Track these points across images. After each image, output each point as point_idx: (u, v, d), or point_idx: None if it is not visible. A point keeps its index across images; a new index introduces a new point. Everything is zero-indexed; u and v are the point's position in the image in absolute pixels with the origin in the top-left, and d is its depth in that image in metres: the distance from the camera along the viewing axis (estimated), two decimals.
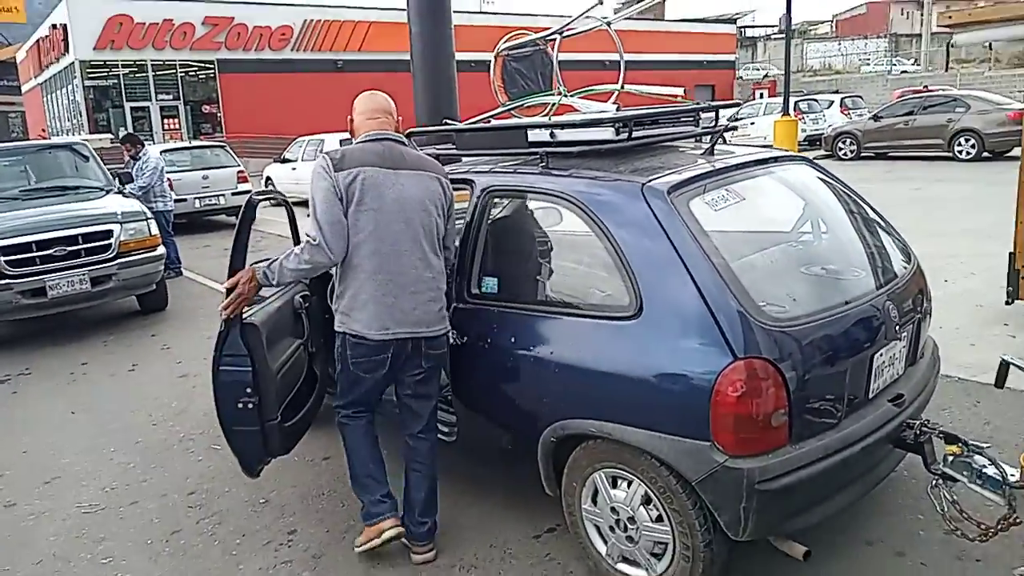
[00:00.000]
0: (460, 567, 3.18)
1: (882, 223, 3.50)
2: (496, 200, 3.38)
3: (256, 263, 3.09)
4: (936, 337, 3.54)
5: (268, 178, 17.79)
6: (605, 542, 2.94)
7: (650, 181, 2.83)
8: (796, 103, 22.15)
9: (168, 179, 10.16)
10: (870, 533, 3.19)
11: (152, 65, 28.92)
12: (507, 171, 3.41)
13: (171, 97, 29.62)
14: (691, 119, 3.69)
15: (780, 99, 19.52)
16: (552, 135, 3.27)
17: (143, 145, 10.00)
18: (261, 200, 3.36)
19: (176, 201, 10.63)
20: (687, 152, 3.46)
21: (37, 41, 33.37)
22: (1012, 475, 2.57)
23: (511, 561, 3.19)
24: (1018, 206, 5.40)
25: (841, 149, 19.18)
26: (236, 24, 29.65)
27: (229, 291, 3.01)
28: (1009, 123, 15.75)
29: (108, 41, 27.52)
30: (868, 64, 43.16)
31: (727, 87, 41.37)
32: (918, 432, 2.83)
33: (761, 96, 31.20)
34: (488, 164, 3.56)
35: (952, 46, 32.08)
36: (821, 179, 3.54)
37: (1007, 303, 5.59)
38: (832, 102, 23.70)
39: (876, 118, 18.81)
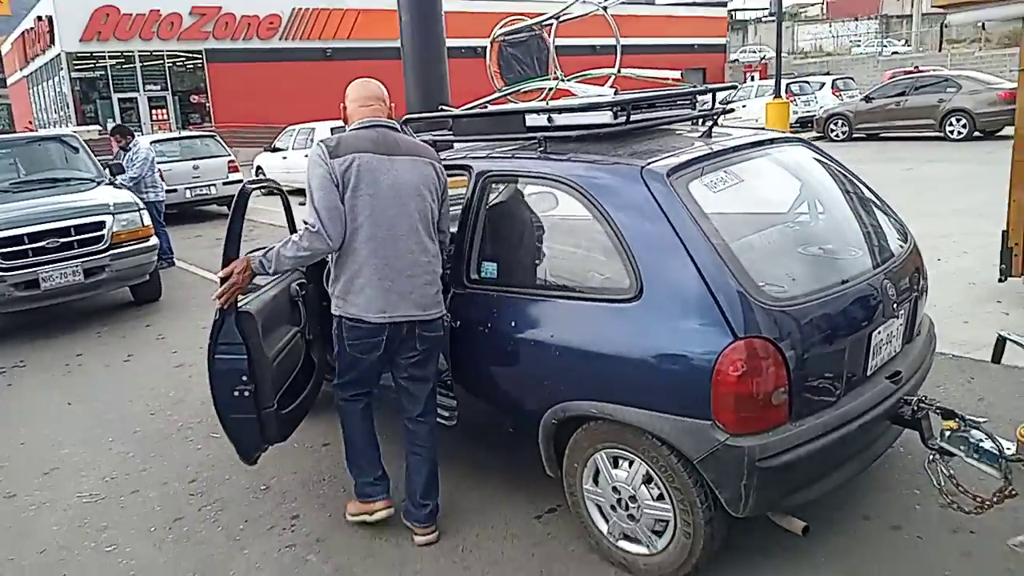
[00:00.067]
0: (462, 548, 3.21)
1: (878, 203, 3.52)
2: (494, 185, 3.39)
3: (251, 252, 3.10)
4: (930, 315, 3.57)
5: (258, 167, 17.72)
6: (606, 521, 2.97)
7: (649, 164, 2.84)
8: (788, 85, 22.19)
9: (159, 169, 10.12)
10: (867, 508, 3.23)
11: (139, 56, 28.66)
12: (505, 156, 3.42)
13: (159, 88, 29.38)
14: (688, 102, 3.70)
15: (771, 81, 19.55)
16: (550, 120, 3.28)
17: (133, 136, 9.95)
18: (254, 188, 3.36)
19: (167, 191, 10.59)
20: (684, 135, 3.47)
21: (22, 33, 33.06)
22: (1008, 448, 2.61)
23: (513, 541, 3.22)
24: (1011, 185, 5.44)
25: (833, 130, 19.23)
26: (224, 14, 29.40)
27: (223, 280, 3.01)
28: (1000, 103, 15.81)
29: (94, 32, 27.26)
30: (859, 46, 43.07)
31: (718, 70, 41.29)
32: (915, 408, 2.87)
33: (752, 79, 31.17)
34: (485, 149, 3.56)
35: (945, 26, 32.08)
36: (817, 160, 3.55)
37: (1000, 280, 5.63)
38: (823, 84, 23.77)
39: (868, 99, 18.87)
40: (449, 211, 3.34)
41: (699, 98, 3.76)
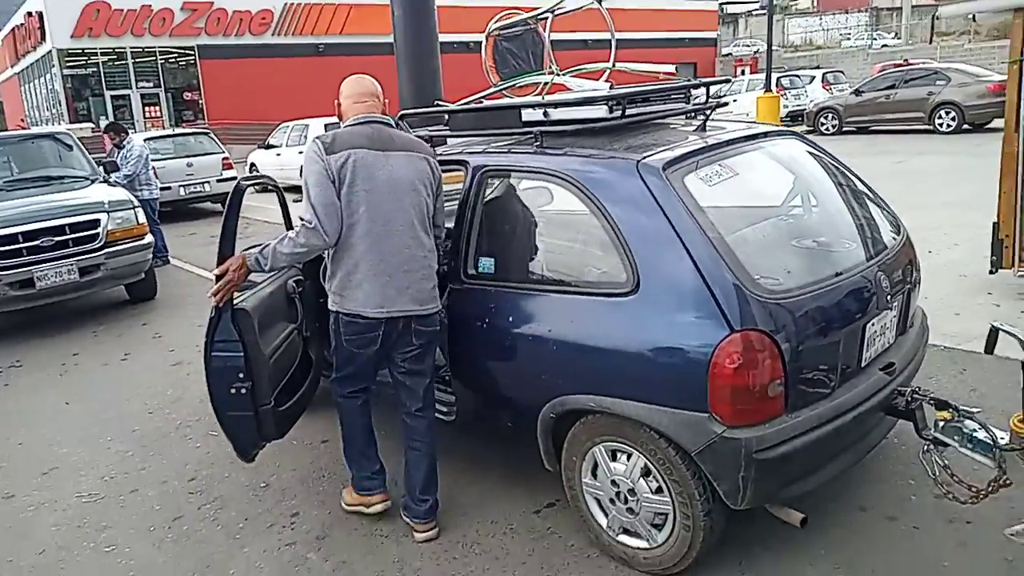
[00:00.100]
0: (463, 544, 3.22)
1: (871, 195, 3.54)
2: (491, 180, 3.40)
3: (246, 249, 3.11)
4: (922, 307, 3.59)
5: (252, 164, 17.68)
6: (606, 514, 3.00)
7: (645, 158, 2.86)
8: (778, 79, 22.22)
9: (153, 167, 10.09)
10: (863, 499, 3.26)
11: (131, 52, 28.52)
12: (501, 151, 3.43)
13: (151, 85, 29.25)
14: (682, 96, 3.72)
15: (762, 75, 19.56)
16: (546, 114, 3.29)
17: (127, 133, 9.93)
18: (249, 186, 3.36)
19: (161, 189, 10.56)
20: (679, 129, 3.49)
21: (12, 29, 32.85)
22: (1002, 438, 2.64)
23: (513, 536, 3.24)
24: (1001, 177, 5.46)
25: (823, 124, 19.28)
26: (216, 9, 29.28)
27: (219, 278, 3.02)
28: (989, 95, 15.87)
29: (86, 28, 27.12)
30: (849, 39, 43.18)
31: (709, 64, 41.32)
32: (909, 399, 2.90)
33: (743, 73, 31.21)
34: (482, 144, 3.57)
35: (936, 18, 32.12)
36: (811, 153, 3.57)
37: (991, 272, 5.67)
38: (814, 77, 23.80)
39: (858, 93, 18.93)
40: (444, 206, 3.36)
41: (692, 92, 3.78)
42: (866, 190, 3.54)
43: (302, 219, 2.97)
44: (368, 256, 3.00)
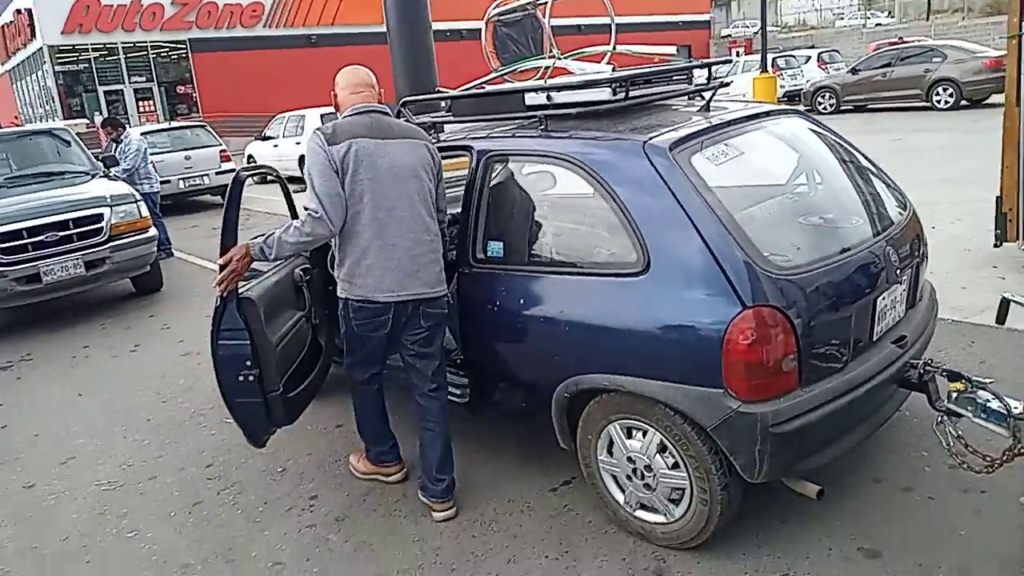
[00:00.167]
0: (481, 522, 3.27)
1: (876, 171, 3.57)
2: (496, 165, 3.41)
3: (250, 240, 3.13)
4: (930, 280, 3.62)
5: (249, 156, 17.65)
6: (623, 491, 3.04)
7: (651, 139, 2.88)
8: (774, 60, 22.18)
9: (152, 161, 10.09)
10: (878, 471, 3.30)
11: (123, 48, 28.43)
12: (505, 135, 3.45)
13: (144, 79, 29.18)
14: (684, 77, 3.73)
15: (757, 57, 19.52)
16: (549, 98, 3.30)
17: (124, 128, 9.91)
18: (248, 176, 3.38)
19: (161, 183, 10.56)
20: (682, 110, 3.51)
21: (2, 27, 32.67)
22: (1016, 407, 2.66)
23: (530, 514, 3.28)
24: (1003, 150, 5.48)
25: (821, 103, 19.26)
26: (206, 2, 29.18)
27: (223, 268, 3.05)
28: (986, 71, 15.86)
29: (76, 25, 27.01)
30: (843, 18, 43.05)
31: (703, 46, 41.18)
32: (922, 371, 2.93)
33: (738, 54, 31.12)
34: (486, 129, 3.59)
35: None
36: (814, 131, 3.59)
37: (995, 246, 5.70)
38: (809, 57, 23.80)
39: (854, 71, 18.91)
40: (445, 192, 3.40)
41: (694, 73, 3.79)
42: (871, 166, 3.57)
43: (307, 208, 3.01)
44: (376, 242, 3.05)
